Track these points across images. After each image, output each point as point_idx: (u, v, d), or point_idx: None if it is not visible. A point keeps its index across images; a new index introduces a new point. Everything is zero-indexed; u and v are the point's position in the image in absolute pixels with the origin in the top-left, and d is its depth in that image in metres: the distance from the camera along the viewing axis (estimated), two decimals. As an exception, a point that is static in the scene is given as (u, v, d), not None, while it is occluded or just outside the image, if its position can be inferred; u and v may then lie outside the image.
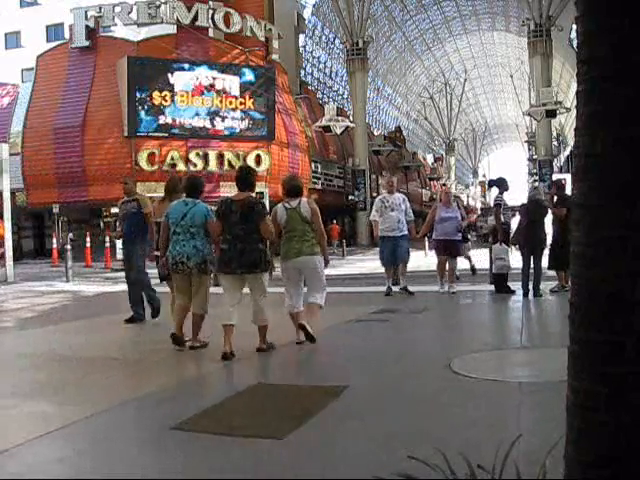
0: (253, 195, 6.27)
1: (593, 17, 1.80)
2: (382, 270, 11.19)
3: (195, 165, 30.95)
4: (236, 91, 32.27)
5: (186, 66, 31.14)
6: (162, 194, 7.68)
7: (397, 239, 10.35)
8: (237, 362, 5.68)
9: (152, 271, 8.00)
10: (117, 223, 9.54)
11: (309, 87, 49.45)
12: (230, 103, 32.13)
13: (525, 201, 10.10)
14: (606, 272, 1.75)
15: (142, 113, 30.18)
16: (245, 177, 6.22)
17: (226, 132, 32.00)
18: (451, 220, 10.63)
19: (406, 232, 10.45)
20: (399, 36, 68.92)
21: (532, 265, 9.62)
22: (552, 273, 10.20)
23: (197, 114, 31.44)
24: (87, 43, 32.00)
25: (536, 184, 25.76)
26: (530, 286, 9.53)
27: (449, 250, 10.57)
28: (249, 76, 32.87)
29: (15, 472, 3.17)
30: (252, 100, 32.53)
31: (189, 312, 6.38)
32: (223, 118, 32.00)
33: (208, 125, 31.67)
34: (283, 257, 6.37)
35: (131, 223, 8.27)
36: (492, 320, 8.50)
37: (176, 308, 6.47)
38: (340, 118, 38.60)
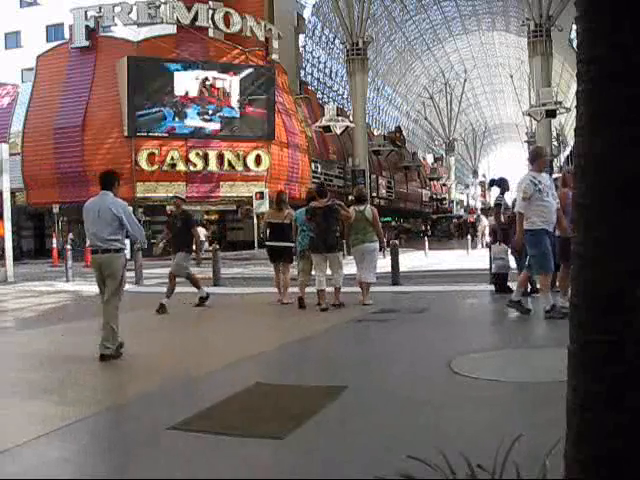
0: (327, 201, 9.27)
1: (593, 17, 1.80)
2: (381, 270, 11.10)
3: (195, 165, 30.96)
4: (236, 91, 32.28)
5: (186, 66, 31.14)
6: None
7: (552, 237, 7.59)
8: (237, 362, 5.69)
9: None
10: None
11: (309, 87, 49.47)
12: (230, 103, 32.14)
13: None
14: (606, 272, 1.75)
15: (144, 112, 30.22)
16: (322, 190, 9.70)
17: (226, 132, 32.01)
18: None
19: None
20: (399, 36, 68.96)
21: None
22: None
23: (197, 114, 31.45)
24: (87, 43, 32.03)
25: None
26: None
27: None
28: (249, 76, 32.89)
29: (15, 472, 3.17)
30: (251, 100, 32.54)
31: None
32: (223, 118, 32.00)
33: (208, 125, 31.67)
34: (352, 245, 9.47)
35: None
36: (492, 320, 8.49)
37: (299, 283, 9.59)
38: (340, 118, 38.61)
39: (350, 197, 41.34)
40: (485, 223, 29.56)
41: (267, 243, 10.39)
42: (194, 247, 10.00)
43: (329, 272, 9.32)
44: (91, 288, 14.40)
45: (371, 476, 2.24)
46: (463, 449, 2.15)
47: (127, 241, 7.78)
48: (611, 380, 1.73)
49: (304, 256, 9.61)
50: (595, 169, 1.80)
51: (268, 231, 10.25)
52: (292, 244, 9.90)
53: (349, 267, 10.52)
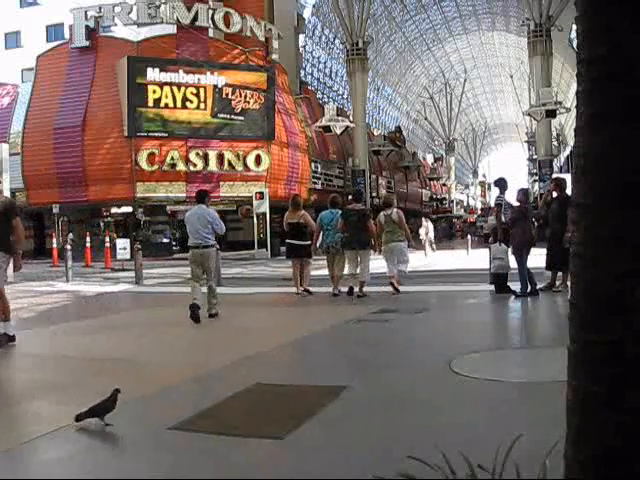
0: (362, 206, 11.11)
1: (593, 16, 1.80)
2: (382, 270, 11.15)
3: (195, 165, 30.93)
4: (236, 91, 32.24)
5: (185, 66, 31.12)
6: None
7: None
8: (237, 362, 5.69)
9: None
10: None
11: (309, 87, 49.43)
12: (230, 102, 32.12)
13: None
14: (605, 272, 1.75)
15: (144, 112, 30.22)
16: (358, 196, 11.79)
17: (226, 132, 31.99)
18: None
19: None
20: (399, 36, 68.92)
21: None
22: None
23: (197, 114, 31.42)
24: (87, 43, 31.99)
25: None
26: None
27: None
28: (249, 76, 32.88)
29: (15, 472, 3.17)
30: (252, 100, 32.52)
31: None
32: (223, 118, 31.98)
33: (208, 125, 31.65)
34: (384, 244, 10.70)
35: None
36: (492, 320, 8.49)
37: (330, 275, 10.97)
38: (340, 118, 38.57)
39: (350, 198, 41.65)
40: (425, 225, 27.86)
41: (287, 241, 11.52)
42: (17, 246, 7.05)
43: (359, 270, 10.47)
44: (91, 288, 14.41)
45: (371, 476, 2.24)
46: (463, 449, 2.15)
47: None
48: (611, 380, 1.73)
49: (329, 252, 10.83)
50: (595, 169, 1.80)
51: (288, 230, 11.39)
52: (309, 242, 11.12)
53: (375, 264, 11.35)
